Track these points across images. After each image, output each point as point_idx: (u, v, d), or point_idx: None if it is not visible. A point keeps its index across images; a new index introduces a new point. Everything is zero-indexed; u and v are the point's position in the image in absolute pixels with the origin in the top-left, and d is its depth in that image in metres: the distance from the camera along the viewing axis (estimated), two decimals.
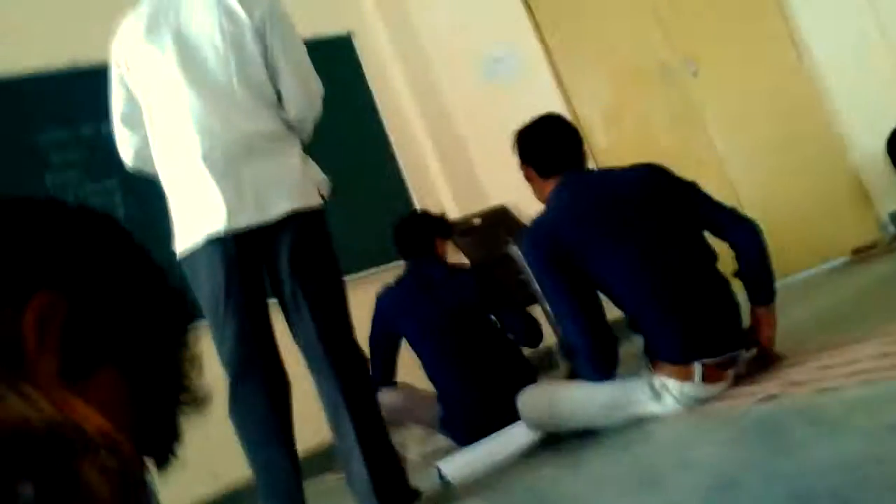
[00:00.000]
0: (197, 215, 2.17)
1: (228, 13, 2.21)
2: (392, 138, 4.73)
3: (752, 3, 4.67)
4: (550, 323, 3.75)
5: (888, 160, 4.26)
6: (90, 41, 3.53)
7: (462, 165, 4.89)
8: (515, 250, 3.90)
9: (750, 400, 1.97)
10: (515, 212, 4.67)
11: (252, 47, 2.21)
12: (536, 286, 3.79)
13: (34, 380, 0.55)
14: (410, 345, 3.01)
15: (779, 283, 4.13)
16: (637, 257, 2.17)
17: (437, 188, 4.87)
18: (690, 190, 2.34)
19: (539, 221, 2.31)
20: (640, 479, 1.73)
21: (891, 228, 4.59)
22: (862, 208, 4.64)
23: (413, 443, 3.23)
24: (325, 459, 3.19)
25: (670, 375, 2.15)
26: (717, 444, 1.73)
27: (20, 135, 3.58)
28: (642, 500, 1.56)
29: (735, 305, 2.25)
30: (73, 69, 3.65)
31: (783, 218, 4.58)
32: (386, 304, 2.99)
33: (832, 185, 4.63)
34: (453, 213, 4.75)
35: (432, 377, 3.02)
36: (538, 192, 2.44)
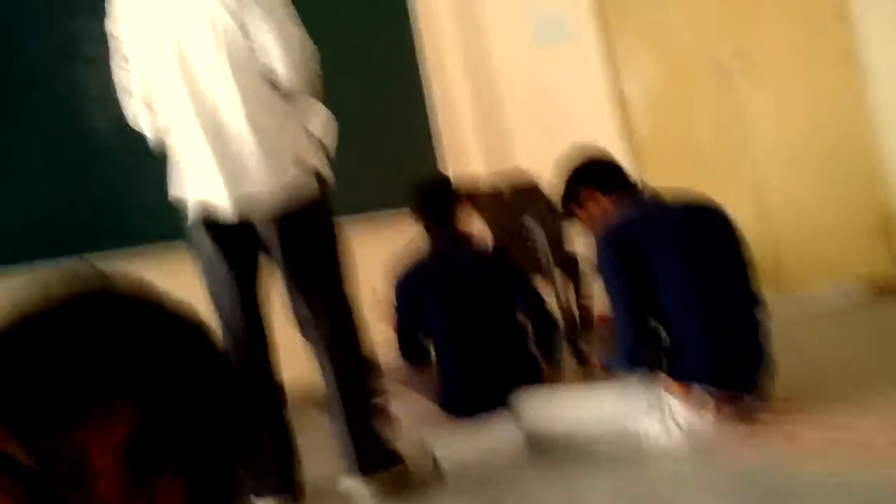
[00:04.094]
0: (197, 201, 2.25)
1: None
2: (432, 88, 4.67)
3: (817, 13, 4.51)
4: (559, 302, 3.78)
5: None
6: None
7: (496, 125, 4.82)
8: (531, 221, 3.90)
9: (749, 449, 1.97)
10: (541, 185, 4.62)
11: (234, 31, 2.18)
12: (546, 263, 3.84)
13: (95, 496, 0.61)
14: (422, 314, 2.99)
15: (787, 298, 4.21)
16: (695, 274, 2.26)
17: (468, 144, 4.82)
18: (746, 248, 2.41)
19: (615, 224, 2.36)
20: None
21: None
22: (879, 241, 4.57)
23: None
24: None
25: (670, 391, 2.21)
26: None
27: (51, 22, 3.48)
28: None
29: (762, 355, 2.30)
30: None
31: (802, 232, 4.56)
32: (406, 282, 2.96)
33: (857, 211, 4.56)
34: (479, 168, 4.73)
35: (438, 350, 3.01)
36: (594, 216, 2.44)
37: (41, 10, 3.47)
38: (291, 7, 2.27)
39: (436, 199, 3.08)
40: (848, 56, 4.48)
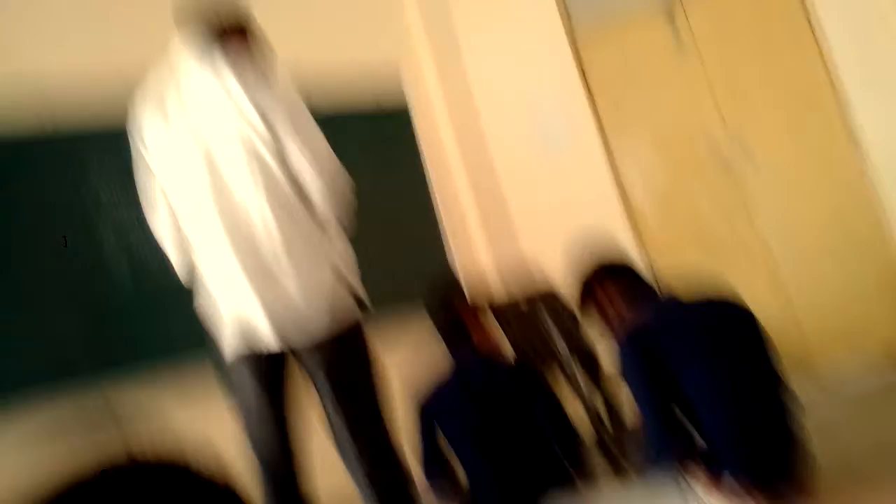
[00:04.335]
0: (236, 333, 2.21)
1: (240, 111, 2.18)
2: (436, 194, 4.78)
3: (813, 93, 4.61)
4: (588, 413, 3.74)
5: None
6: None
7: (503, 227, 4.88)
8: (555, 334, 3.89)
9: None
10: (561, 295, 4.63)
11: (266, 151, 2.17)
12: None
13: None
14: (447, 439, 2.96)
15: (813, 377, 4.13)
16: (719, 367, 2.25)
17: (476, 244, 4.89)
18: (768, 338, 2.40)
19: (633, 325, 2.37)
20: None
21: None
22: None
23: None
24: None
25: (701, 485, 2.18)
26: None
27: (76, 187, 3.62)
28: None
29: (793, 441, 2.27)
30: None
31: (820, 307, 4.53)
32: (428, 411, 2.95)
33: (872, 278, 4.52)
34: (488, 265, 4.77)
35: (465, 468, 2.97)
36: (611, 315, 2.46)
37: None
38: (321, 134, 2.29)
39: (447, 319, 3.09)
40: (843, 129, 4.52)
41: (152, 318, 3.59)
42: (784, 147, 4.64)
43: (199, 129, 2.22)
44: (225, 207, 2.18)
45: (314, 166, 2.18)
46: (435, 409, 2.94)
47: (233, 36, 2.34)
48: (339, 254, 2.31)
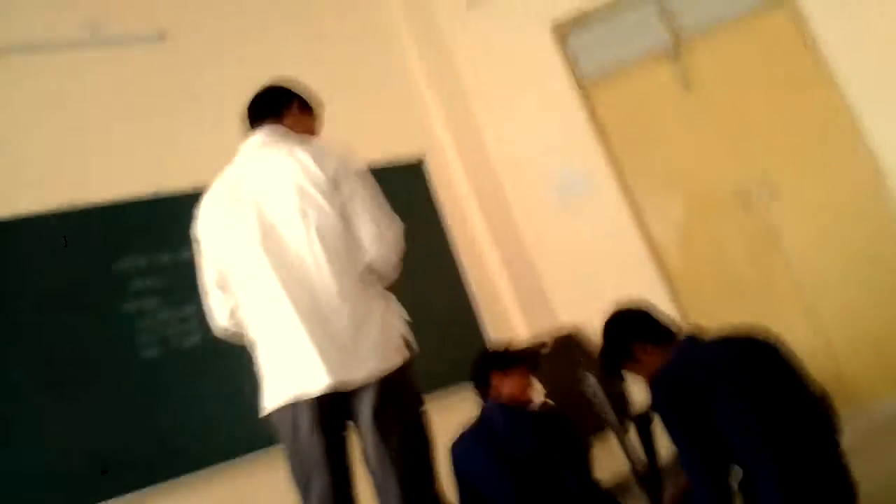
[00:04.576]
0: (287, 377, 2.22)
1: (306, 171, 2.26)
2: (462, 260, 4.77)
3: (827, 124, 4.62)
4: (625, 451, 3.68)
5: None
6: (173, 170, 3.73)
7: (532, 287, 4.86)
8: (587, 375, 3.84)
9: None
10: (586, 333, 4.61)
11: (329, 209, 2.25)
12: (606, 412, 3.76)
13: None
14: (476, 483, 2.94)
15: (859, 415, 4.04)
16: (759, 408, 2.20)
17: (507, 309, 4.86)
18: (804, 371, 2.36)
19: (665, 371, 2.33)
20: None
21: None
22: None
23: None
24: None
25: None
26: None
27: (101, 261, 3.65)
28: None
29: (849, 488, 2.20)
30: (155, 197, 3.76)
31: (865, 346, 4.43)
32: (459, 459, 2.95)
33: None
34: (523, 333, 4.73)
35: None
36: (647, 367, 2.44)
37: (94, 253, 3.65)
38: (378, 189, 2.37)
39: (474, 368, 3.12)
40: (862, 155, 4.50)
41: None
42: (804, 179, 4.63)
43: (249, 183, 2.32)
44: (274, 249, 2.24)
45: (366, 212, 2.28)
46: (461, 454, 2.95)
47: (286, 110, 2.49)
48: (389, 298, 2.37)
